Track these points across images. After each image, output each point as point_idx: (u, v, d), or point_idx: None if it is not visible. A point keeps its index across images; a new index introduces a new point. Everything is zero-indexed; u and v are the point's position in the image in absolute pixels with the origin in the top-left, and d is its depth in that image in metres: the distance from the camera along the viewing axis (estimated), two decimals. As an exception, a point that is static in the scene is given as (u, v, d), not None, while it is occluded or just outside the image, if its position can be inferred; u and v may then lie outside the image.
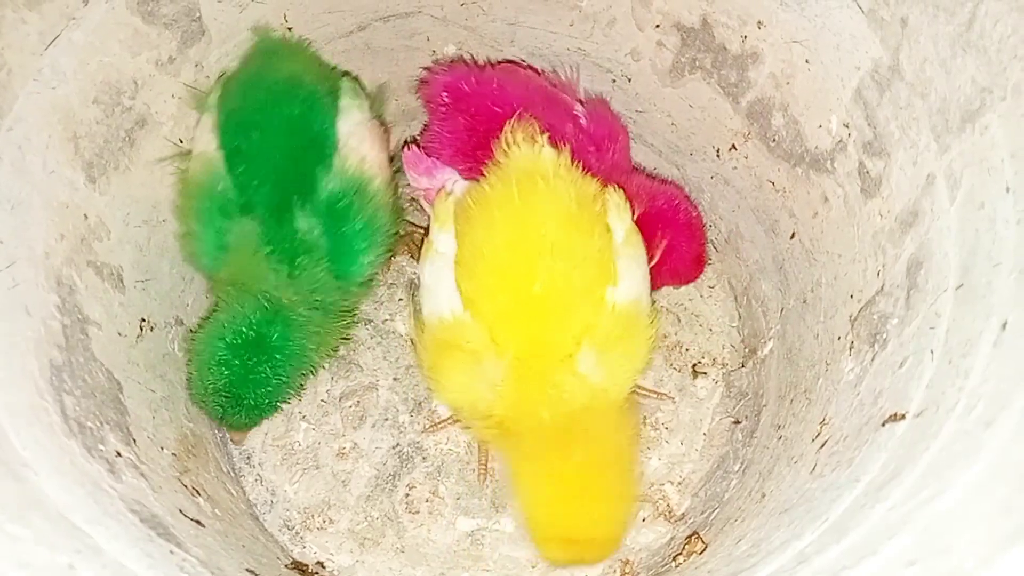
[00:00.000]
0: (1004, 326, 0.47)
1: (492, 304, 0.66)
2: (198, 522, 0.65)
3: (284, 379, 0.70)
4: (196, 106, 0.73)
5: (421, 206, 0.93)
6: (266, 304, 0.67)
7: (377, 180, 0.72)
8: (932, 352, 0.53)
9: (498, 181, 0.69)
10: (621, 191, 0.71)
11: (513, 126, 0.71)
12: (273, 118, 0.69)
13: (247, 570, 0.67)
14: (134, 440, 0.65)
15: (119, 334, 0.69)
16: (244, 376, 0.68)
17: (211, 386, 0.68)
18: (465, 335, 0.66)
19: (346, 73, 0.80)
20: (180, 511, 0.64)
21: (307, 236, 0.69)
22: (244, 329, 0.67)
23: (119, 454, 0.61)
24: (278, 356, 0.68)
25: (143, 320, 0.72)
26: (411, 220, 0.91)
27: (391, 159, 0.77)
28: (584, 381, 0.64)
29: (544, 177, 0.67)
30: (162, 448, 0.69)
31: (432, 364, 0.68)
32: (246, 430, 0.75)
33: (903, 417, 0.52)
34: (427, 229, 0.75)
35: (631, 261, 0.68)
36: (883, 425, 0.54)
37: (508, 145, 0.70)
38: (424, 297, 0.71)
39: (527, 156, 0.69)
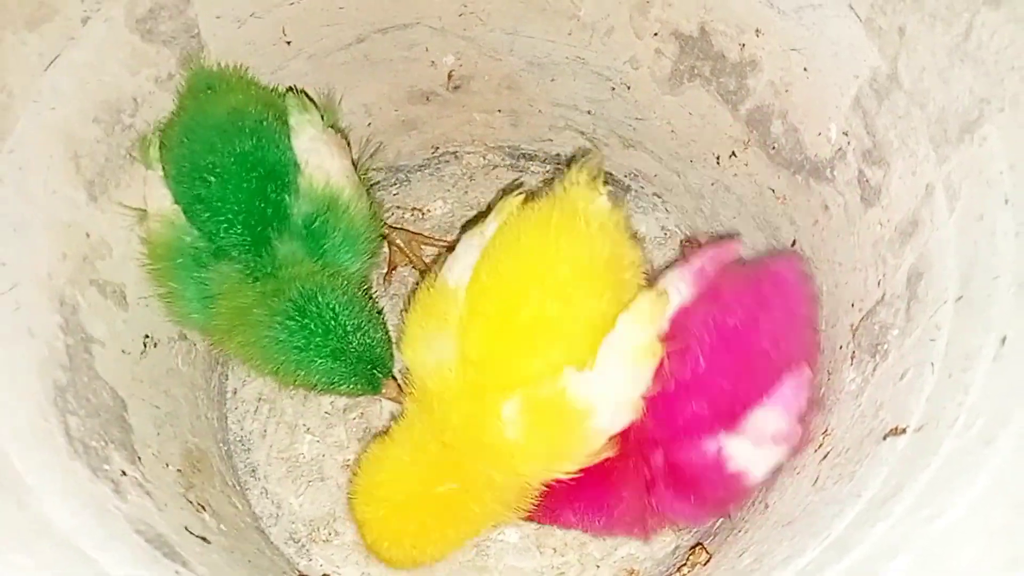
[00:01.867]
0: (1003, 341, 0.47)
1: (481, 302, 0.65)
2: (204, 539, 0.65)
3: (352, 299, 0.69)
4: (141, 160, 0.70)
5: (422, 215, 0.94)
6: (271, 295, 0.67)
7: (347, 191, 0.71)
8: (932, 365, 0.53)
9: (546, 206, 0.67)
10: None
11: (581, 166, 0.68)
12: (226, 158, 0.66)
13: (253, 585, 0.67)
14: (139, 458, 0.65)
15: (123, 351, 0.69)
16: (345, 328, 0.68)
17: (357, 360, 0.69)
18: (449, 307, 0.66)
19: (289, 89, 0.78)
20: (186, 528, 0.64)
21: (290, 259, 0.68)
22: (300, 319, 0.67)
23: (124, 473, 0.62)
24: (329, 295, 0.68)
25: (146, 337, 0.73)
26: (409, 229, 0.91)
27: (355, 163, 0.76)
28: (501, 425, 0.62)
29: (587, 223, 0.65)
30: (167, 464, 0.69)
31: (412, 313, 0.69)
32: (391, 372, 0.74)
33: (904, 431, 0.52)
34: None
35: (622, 369, 0.62)
36: (884, 439, 0.54)
37: (570, 182, 0.68)
38: (449, 259, 0.71)
39: (582, 197, 0.67)
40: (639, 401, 0.63)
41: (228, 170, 0.66)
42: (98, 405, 0.63)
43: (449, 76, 0.87)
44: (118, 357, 0.68)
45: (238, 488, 0.81)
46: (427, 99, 0.89)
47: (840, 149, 0.67)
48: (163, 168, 0.69)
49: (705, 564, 0.71)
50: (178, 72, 0.71)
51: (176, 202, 0.68)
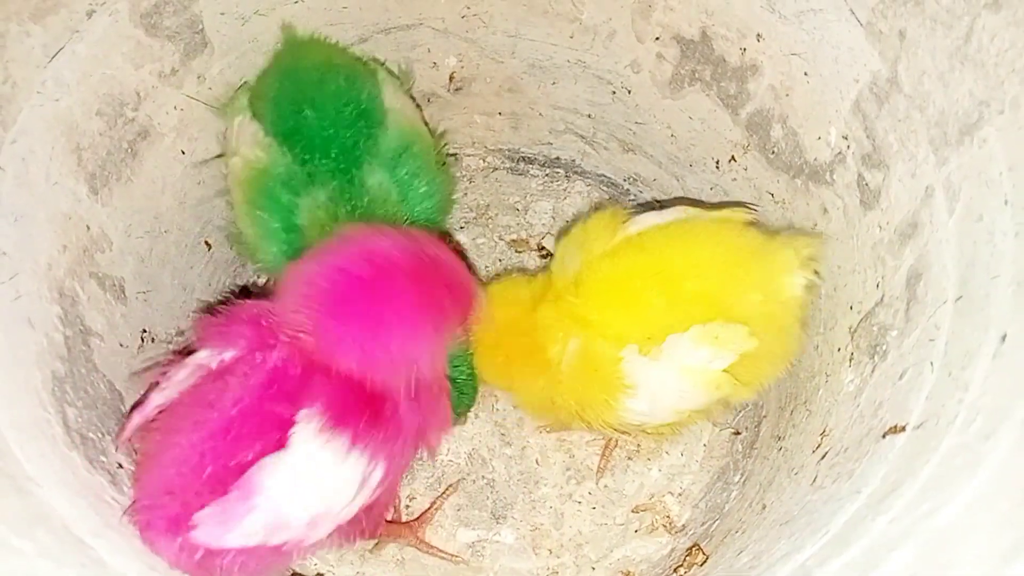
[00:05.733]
0: (1003, 339, 0.48)
1: (636, 248, 0.69)
2: (199, 533, 0.65)
3: None
4: (223, 115, 0.75)
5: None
6: None
7: (424, 136, 0.76)
8: (932, 364, 0.53)
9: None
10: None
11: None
12: (324, 94, 0.72)
13: (248, 581, 0.67)
14: (135, 451, 0.65)
15: (120, 345, 0.69)
16: None
17: None
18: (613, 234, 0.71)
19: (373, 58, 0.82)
20: (181, 522, 0.64)
21: (376, 189, 0.71)
22: None
23: (120, 466, 0.62)
24: None
25: (144, 331, 0.73)
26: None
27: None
28: (561, 350, 0.68)
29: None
30: (163, 459, 0.69)
31: (591, 221, 0.73)
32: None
33: (903, 429, 0.53)
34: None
35: (670, 376, 0.66)
36: (883, 437, 0.54)
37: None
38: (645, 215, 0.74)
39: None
40: (680, 411, 0.68)
41: (325, 104, 0.71)
42: (96, 397, 0.63)
43: (451, 78, 0.87)
44: (116, 350, 0.68)
45: (233, 485, 0.81)
46: (428, 100, 0.89)
47: (840, 153, 0.67)
48: (253, 110, 0.73)
49: (702, 565, 0.71)
50: (181, 67, 0.71)
51: (269, 135, 0.71)
